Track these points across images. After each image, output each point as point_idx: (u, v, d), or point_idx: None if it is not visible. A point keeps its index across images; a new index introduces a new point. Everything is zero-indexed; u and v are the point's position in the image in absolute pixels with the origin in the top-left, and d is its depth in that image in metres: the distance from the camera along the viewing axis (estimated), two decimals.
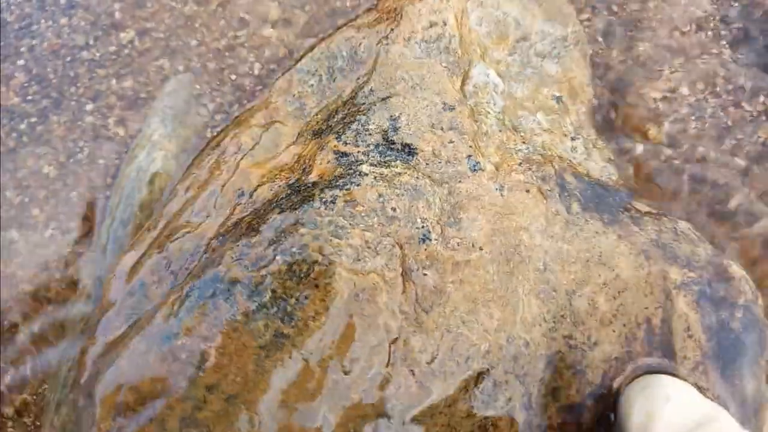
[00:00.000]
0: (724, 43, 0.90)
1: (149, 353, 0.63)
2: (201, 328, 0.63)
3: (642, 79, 0.87)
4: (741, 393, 0.65)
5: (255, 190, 0.75)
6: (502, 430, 0.63)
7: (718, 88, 0.87)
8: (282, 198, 0.72)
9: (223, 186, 0.78)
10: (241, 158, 0.80)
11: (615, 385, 0.65)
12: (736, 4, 0.92)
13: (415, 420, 0.62)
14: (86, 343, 0.73)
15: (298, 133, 0.80)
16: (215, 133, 0.90)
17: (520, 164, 0.74)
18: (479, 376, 0.63)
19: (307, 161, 0.75)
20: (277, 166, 0.77)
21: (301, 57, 0.86)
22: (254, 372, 0.61)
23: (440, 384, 0.62)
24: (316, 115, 0.81)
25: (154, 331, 0.65)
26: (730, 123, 0.85)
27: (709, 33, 0.91)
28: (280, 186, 0.74)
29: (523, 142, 0.76)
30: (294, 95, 0.83)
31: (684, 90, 0.87)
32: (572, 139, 0.79)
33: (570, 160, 0.77)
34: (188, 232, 0.75)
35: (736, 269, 0.70)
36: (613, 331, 0.67)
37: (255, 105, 0.87)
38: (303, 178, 0.74)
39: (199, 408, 0.60)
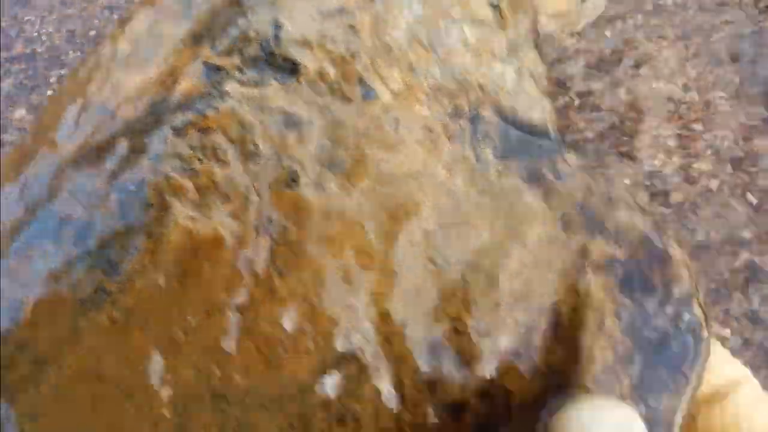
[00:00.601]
0: None
1: None
2: (24, 272, 0.54)
3: None
4: (654, 413, 0.54)
5: (119, 106, 0.63)
6: (364, 425, 0.54)
7: None
8: (140, 118, 0.60)
9: (90, 99, 0.65)
10: (114, 67, 0.66)
11: (509, 387, 0.55)
12: None
13: (261, 406, 0.53)
14: None
15: (181, 38, 0.65)
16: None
17: (427, 95, 0.60)
18: (341, 359, 0.53)
19: (177, 74, 0.62)
20: (148, 79, 0.64)
21: None
22: (69, 331, 0.52)
23: (292, 365, 0.53)
24: (202, 14, 0.66)
25: None
26: None
27: None
28: (144, 103, 0.62)
29: (438, 65, 0.61)
30: None
31: None
32: (502, 61, 0.63)
33: (494, 91, 0.62)
34: (46, 154, 0.64)
35: (677, 251, 0.57)
36: (511, 318, 0.55)
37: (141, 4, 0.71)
38: (168, 95, 0.61)
39: (7, 370, 0.52)
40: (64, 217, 0.54)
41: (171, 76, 0.62)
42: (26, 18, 1.10)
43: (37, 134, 0.68)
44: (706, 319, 0.56)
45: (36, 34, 1.08)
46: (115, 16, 1.01)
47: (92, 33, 1.06)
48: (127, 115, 0.61)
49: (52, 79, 1.04)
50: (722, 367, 0.57)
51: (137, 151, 0.56)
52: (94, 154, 0.59)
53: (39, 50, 1.05)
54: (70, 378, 0.51)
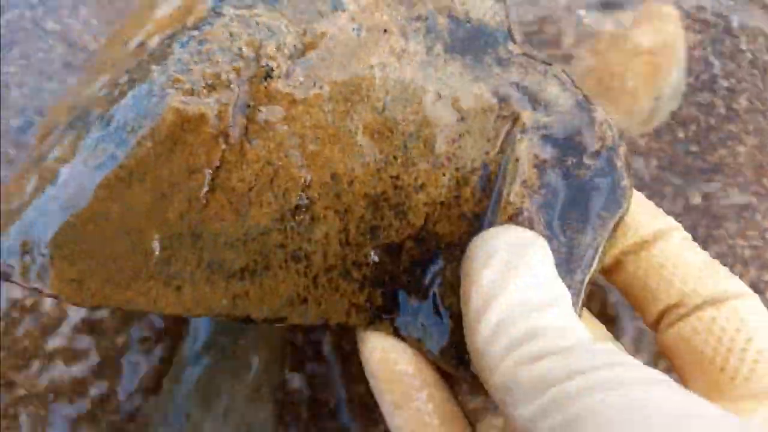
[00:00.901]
0: None
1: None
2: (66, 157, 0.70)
3: None
4: (569, 246, 0.58)
5: (149, 40, 0.79)
6: (315, 262, 0.64)
7: None
8: (159, 44, 0.75)
9: (131, 40, 0.82)
10: (153, 12, 0.83)
11: (439, 232, 0.62)
12: None
13: (230, 245, 0.64)
14: None
15: None
16: None
17: (388, 5, 0.70)
18: (297, 209, 0.64)
19: (192, 9, 0.77)
20: (175, 16, 0.80)
21: None
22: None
23: (256, 212, 0.64)
24: None
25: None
26: None
27: None
28: (167, 35, 0.77)
29: None
30: None
31: None
32: None
33: (449, 1, 0.71)
34: (85, 83, 0.81)
35: (600, 113, 0.62)
36: (444, 175, 0.63)
37: None
38: (184, 24, 0.76)
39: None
40: (91, 109, 0.70)
41: (189, 14, 0.78)
42: None
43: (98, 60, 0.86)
44: (627, 170, 0.60)
45: None
46: None
47: None
48: (154, 45, 0.77)
49: None
50: (650, 219, 0.60)
51: (149, 61, 0.71)
52: (128, 81, 0.75)
53: None
54: (85, 219, 0.65)
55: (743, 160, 0.95)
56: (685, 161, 0.95)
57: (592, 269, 0.58)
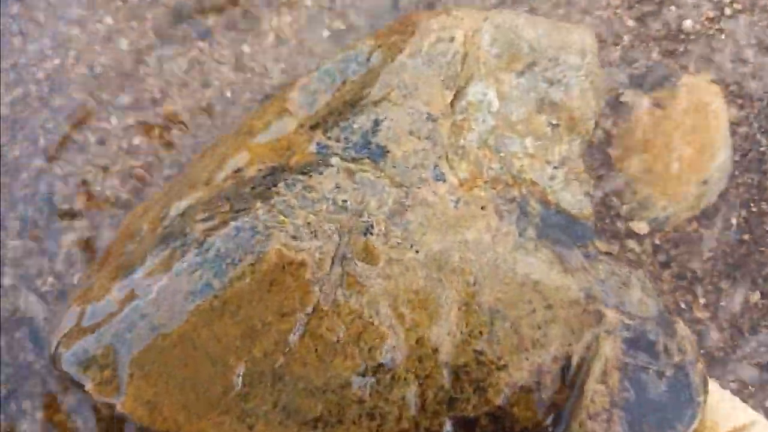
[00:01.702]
0: None
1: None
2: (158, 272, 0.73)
3: None
4: None
5: (247, 168, 0.84)
6: (388, 423, 0.65)
7: None
8: (261, 177, 0.80)
9: (226, 162, 0.87)
10: (250, 140, 0.89)
11: (516, 414, 0.64)
12: None
13: (308, 392, 0.65)
14: None
15: (300, 125, 0.87)
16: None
17: (486, 182, 0.75)
18: (380, 367, 0.65)
19: (293, 149, 0.82)
20: (272, 152, 0.85)
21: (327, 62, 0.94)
22: (178, 310, 0.68)
23: (339, 363, 0.66)
24: (321, 110, 0.88)
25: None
26: None
27: None
28: (266, 168, 0.82)
29: (500, 162, 0.77)
30: (309, 91, 0.91)
31: None
32: (554, 167, 0.78)
33: (543, 188, 0.76)
34: (186, 200, 0.85)
35: (683, 328, 0.65)
36: (527, 359, 0.65)
37: (275, 96, 0.95)
38: (285, 162, 0.81)
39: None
40: (188, 233, 0.73)
41: (288, 150, 0.83)
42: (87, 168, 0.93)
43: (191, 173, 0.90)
44: (704, 386, 0.62)
45: (99, 188, 0.94)
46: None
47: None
48: (252, 174, 0.82)
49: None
50: (732, 412, 0.61)
51: (255, 195, 0.75)
52: (225, 195, 0.79)
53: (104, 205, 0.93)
54: (172, 342, 0.66)
55: None
56: (739, 252, 0.89)
57: None
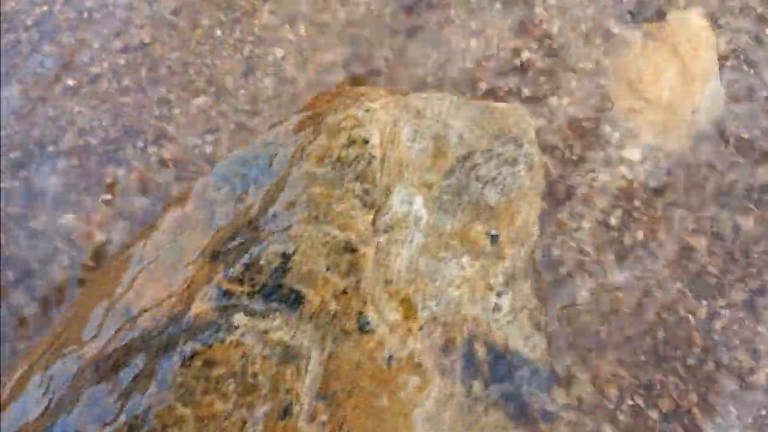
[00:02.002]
0: None
1: None
2: None
3: None
4: None
5: (139, 315, 0.69)
6: None
7: None
8: (155, 334, 0.66)
9: (116, 300, 0.72)
10: (139, 271, 0.74)
11: None
12: None
13: None
14: None
15: (201, 251, 0.73)
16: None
17: (421, 328, 0.64)
18: None
19: (193, 292, 0.68)
20: (168, 289, 0.71)
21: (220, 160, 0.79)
22: None
23: None
24: (221, 231, 0.73)
25: None
26: None
27: None
28: (162, 315, 0.68)
29: (436, 296, 0.65)
30: (207, 201, 0.76)
31: None
32: (498, 294, 0.67)
33: (487, 324, 0.65)
34: (73, 351, 0.70)
35: None
36: None
37: (170, 205, 0.80)
38: (183, 313, 0.67)
39: None
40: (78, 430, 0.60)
41: (188, 291, 0.69)
42: (77, 109, 0.93)
43: (69, 325, 0.75)
44: None
45: (89, 126, 0.93)
46: (175, 111, 0.89)
47: (150, 127, 0.92)
48: (145, 325, 0.68)
49: (108, 180, 0.91)
50: None
51: (148, 374, 0.61)
52: (111, 365, 0.65)
53: (93, 143, 0.92)
54: None
55: None
56: (729, 175, 0.90)
57: None
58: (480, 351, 0.64)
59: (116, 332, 0.70)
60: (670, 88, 0.96)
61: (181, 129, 0.92)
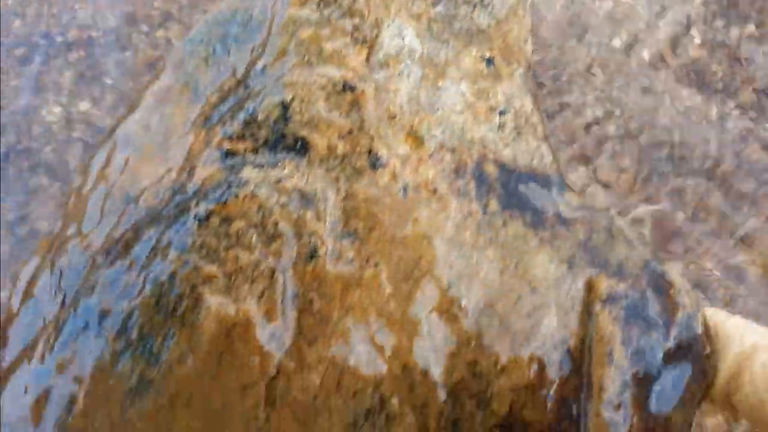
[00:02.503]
0: None
1: (28, 394, 0.60)
2: (73, 367, 0.59)
3: None
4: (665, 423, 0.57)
5: (141, 194, 0.67)
6: None
7: None
8: (162, 209, 0.64)
9: (112, 187, 0.70)
10: (130, 153, 0.71)
11: (527, 418, 0.58)
12: None
13: None
14: None
15: (192, 120, 0.70)
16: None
17: (431, 155, 0.63)
18: (370, 411, 0.57)
19: (192, 159, 0.66)
20: (164, 164, 0.69)
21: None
22: (119, 421, 0.56)
23: (324, 422, 0.57)
24: (210, 96, 0.70)
25: (32, 367, 0.61)
26: None
27: None
28: (165, 191, 0.66)
29: (439, 124, 0.64)
30: (187, 70, 0.72)
31: None
32: (501, 113, 0.66)
33: (494, 144, 0.65)
34: (76, 245, 0.69)
35: (676, 277, 0.60)
36: (524, 356, 0.59)
37: (147, 82, 0.76)
38: (187, 182, 0.65)
39: None
40: (103, 311, 0.59)
41: (188, 162, 0.67)
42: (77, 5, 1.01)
43: (65, 224, 0.73)
44: (708, 335, 0.59)
45: (91, 20, 1.00)
46: None
47: (155, 12, 0.98)
48: (149, 203, 0.66)
49: (111, 67, 0.99)
50: (743, 336, 0.59)
51: (164, 242, 0.60)
52: (122, 245, 0.64)
53: (95, 35, 0.99)
54: None
55: None
56: None
57: None
58: (491, 170, 0.64)
59: (119, 217, 0.68)
60: None
61: (184, 10, 0.90)
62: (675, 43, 0.90)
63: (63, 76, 0.98)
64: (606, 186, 0.70)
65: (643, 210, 0.75)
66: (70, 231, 0.71)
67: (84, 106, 0.97)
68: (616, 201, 0.74)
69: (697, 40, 0.93)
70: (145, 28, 0.95)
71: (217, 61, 0.71)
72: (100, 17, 0.98)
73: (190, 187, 0.64)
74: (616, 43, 0.90)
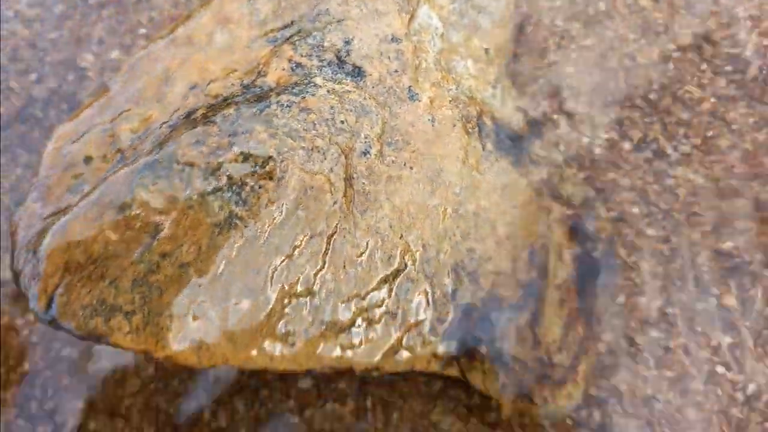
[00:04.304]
0: None
1: (101, 218, 0.68)
2: (156, 203, 0.69)
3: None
4: (590, 306, 0.83)
5: (208, 84, 0.80)
6: (407, 319, 0.76)
7: None
8: (237, 96, 0.78)
9: (173, 76, 0.81)
10: (194, 52, 0.83)
11: (500, 293, 0.80)
12: None
13: (343, 303, 0.72)
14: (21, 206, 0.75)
15: (250, 38, 0.84)
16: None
17: (450, 101, 0.85)
18: (397, 272, 0.75)
19: (261, 65, 0.81)
20: (231, 66, 0.82)
21: None
22: (207, 246, 0.68)
23: (364, 275, 0.73)
24: (271, 22, 0.86)
25: (106, 200, 0.69)
26: None
27: None
28: (233, 84, 0.80)
29: (454, 83, 0.87)
30: (249, 1, 0.87)
31: None
32: (493, 87, 0.91)
33: (490, 106, 0.89)
34: (137, 115, 0.78)
35: (603, 211, 0.88)
36: (504, 250, 0.81)
37: (210, 2, 0.89)
38: (257, 80, 0.79)
39: (152, 271, 0.66)
40: (189, 162, 0.71)
41: (258, 66, 0.81)
42: None
43: (123, 89, 0.82)
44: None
45: None
46: None
47: None
48: (218, 92, 0.79)
49: (143, 20, 1.12)
50: None
51: (246, 118, 0.74)
52: (201, 116, 0.76)
53: None
54: (209, 279, 0.67)
55: None
56: None
57: None
58: (488, 122, 0.88)
59: (183, 99, 0.80)
60: None
61: None
62: None
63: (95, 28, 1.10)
64: (569, 115, 0.96)
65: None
66: (123, 105, 0.80)
67: (114, 54, 1.08)
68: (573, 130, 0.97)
69: None
70: None
71: None
72: None
73: (264, 84, 0.78)
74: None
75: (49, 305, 0.65)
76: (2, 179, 1.02)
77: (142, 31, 1.10)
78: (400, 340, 0.75)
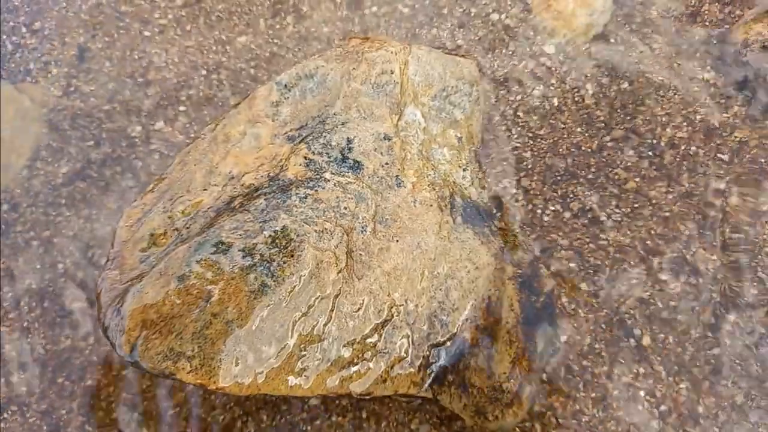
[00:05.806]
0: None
1: (168, 286, 0.93)
2: (208, 275, 0.94)
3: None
4: (533, 345, 1.08)
5: (243, 176, 1.05)
6: (393, 357, 1.02)
7: None
8: (265, 188, 1.03)
9: (217, 167, 1.06)
10: (231, 147, 1.08)
11: (467, 335, 1.06)
12: None
13: (344, 346, 0.98)
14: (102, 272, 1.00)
15: (274, 135, 1.09)
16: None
17: (429, 185, 1.10)
18: (386, 322, 1.01)
19: (283, 161, 1.06)
20: (259, 160, 1.07)
21: (280, 73, 1.14)
22: (246, 307, 0.93)
23: (361, 325, 0.99)
24: (290, 123, 1.11)
25: (170, 272, 0.94)
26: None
27: None
28: (262, 176, 1.05)
29: (432, 169, 1.12)
30: (272, 102, 1.12)
31: None
32: (464, 170, 1.16)
33: (461, 186, 1.14)
34: (189, 200, 1.04)
35: (545, 271, 1.13)
36: (468, 302, 1.07)
37: (240, 104, 1.14)
38: (280, 174, 1.04)
39: (206, 327, 0.92)
40: (230, 243, 0.96)
41: (280, 163, 1.06)
42: (154, 51, 1.41)
43: (172, 184, 1.07)
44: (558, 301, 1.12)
45: (164, 63, 1.40)
46: (226, 47, 1.35)
47: (209, 59, 1.35)
48: (251, 182, 1.04)
49: (183, 97, 1.35)
50: None
51: (274, 207, 0.99)
52: (238, 205, 1.01)
53: (168, 76, 1.36)
54: (244, 333, 0.92)
55: None
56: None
57: None
58: (458, 200, 1.13)
59: (223, 187, 1.05)
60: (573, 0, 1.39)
61: (231, 59, 1.26)
62: None
63: (143, 103, 1.35)
64: (525, 191, 1.23)
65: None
66: (178, 192, 1.05)
67: (159, 125, 1.33)
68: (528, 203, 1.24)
69: None
70: (203, 72, 1.34)
71: (296, 101, 1.12)
72: (171, 62, 1.34)
73: (285, 178, 1.03)
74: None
75: (131, 351, 0.90)
76: (65, 229, 1.27)
77: (182, 108, 1.35)
78: (387, 372, 1.00)
